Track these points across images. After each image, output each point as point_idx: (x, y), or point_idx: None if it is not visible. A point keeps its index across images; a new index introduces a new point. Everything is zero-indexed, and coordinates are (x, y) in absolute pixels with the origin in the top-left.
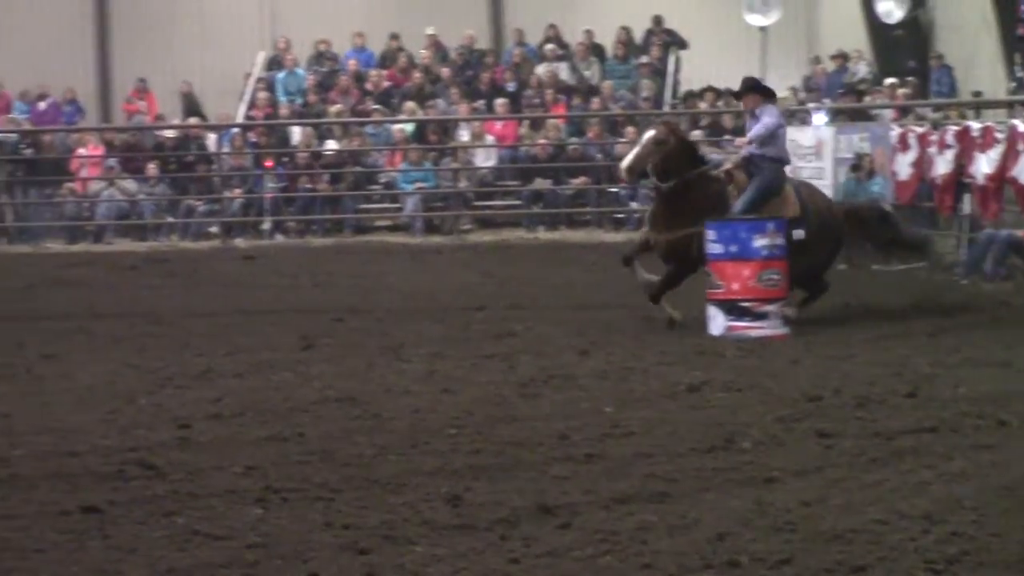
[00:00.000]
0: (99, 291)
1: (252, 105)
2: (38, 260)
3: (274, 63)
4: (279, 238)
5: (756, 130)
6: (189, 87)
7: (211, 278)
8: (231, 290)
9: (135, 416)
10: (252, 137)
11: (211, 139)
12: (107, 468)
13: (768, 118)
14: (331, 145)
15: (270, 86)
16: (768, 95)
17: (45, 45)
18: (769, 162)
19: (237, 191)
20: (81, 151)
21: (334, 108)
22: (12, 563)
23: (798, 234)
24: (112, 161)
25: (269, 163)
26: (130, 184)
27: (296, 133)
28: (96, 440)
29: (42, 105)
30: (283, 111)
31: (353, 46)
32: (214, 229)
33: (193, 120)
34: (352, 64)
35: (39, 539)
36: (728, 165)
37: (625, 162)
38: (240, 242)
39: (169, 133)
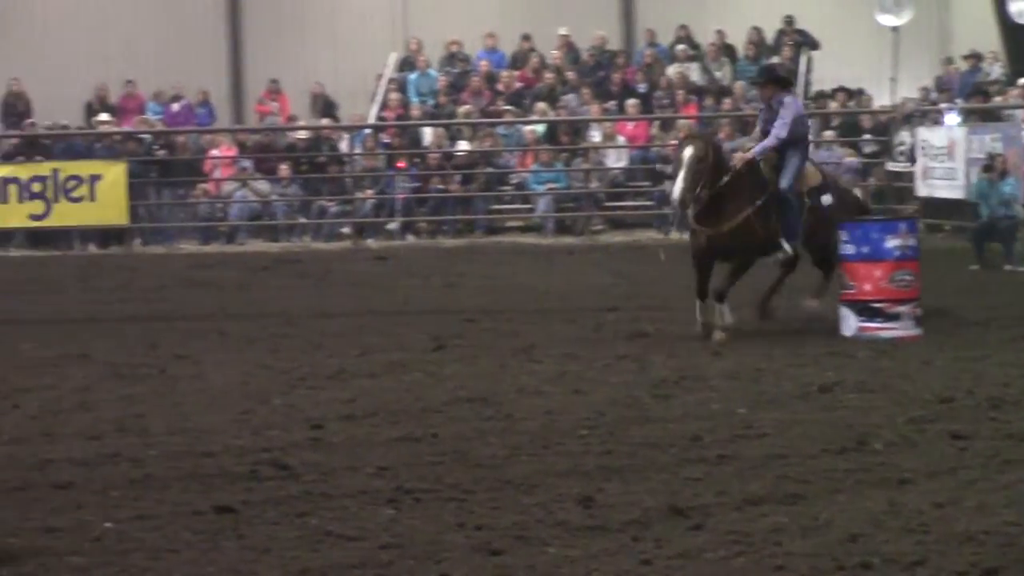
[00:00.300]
0: (232, 292)
1: (384, 106)
2: (171, 261)
3: (406, 64)
4: (410, 239)
5: (777, 132)
6: (321, 88)
7: (343, 279)
8: (363, 291)
9: (268, 417)
10: (384, 138)
11: (343, 140)
12: (240, 468)
13: (786, 112)
14: (462, 146)
15: (402, 87)
16: (786, 85)
17: (178, 47)
18: (798, 139)
19: (369, 192)
20: (214, 152)
21: (464, 109)
22: (147, 563)
23: (827, 199)
24: (245, 162)
25: (401, 164)
26: (263, 185)
27: (428, 134)
28: (229, 440)
29: (176, 107)
30: (415, 112)
31: (485, 47)
32: (346, 230)
33: (325, 121)
34: (484, 65)
35: (173, 539)
36: (737, 163)
37: (677, 193)
38: (372, 243)
39: (301, 134)
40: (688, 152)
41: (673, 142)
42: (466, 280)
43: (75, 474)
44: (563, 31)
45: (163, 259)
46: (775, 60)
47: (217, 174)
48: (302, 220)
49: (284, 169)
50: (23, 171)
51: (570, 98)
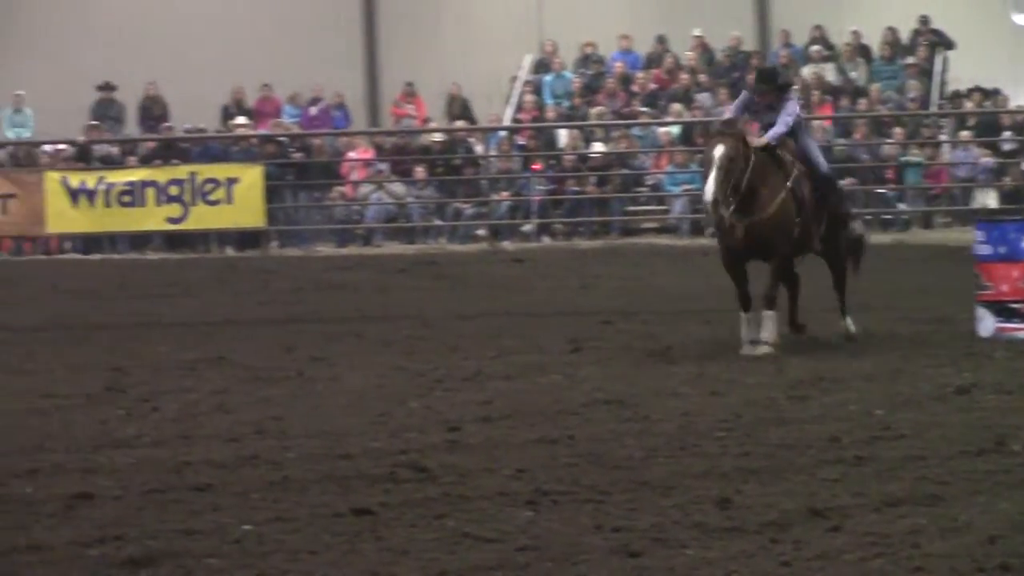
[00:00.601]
0: (368, 294)
1: (519, 108)
2: (308, 263)
3: (541, 66)
4: (546, 240)
5: (785, 119)
6: (458, 90)
7: (479, 281)
8: (499, 293)
9: (405, 419)
10: (519, 140)
11: (478, 142)
12: (378, 471)
13: (790, 107)
14: (597, 147)
15: (537, 89)
16: (787, 89)
17: (314, 50)
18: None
19: (504, 194)
20: (351, 155)
21: (598, 110)
22: (286, 565)
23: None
24: (381, 165)
25: (536, 166)
26: (398, 187)
27: (563, 136)
28: (367, 443)
29: (312, 110)
30: (550, 114)
31: (619, 48)
32: (481, 232)
33: (460, 123)
34: (618, 66)
35: (312, 541)
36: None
37: (709, 194)
38: (507, 244)
39: (437, 136)
40: (719, 151)
41: None
42: (602, 282)
43: (214, 476)
44: (697, 32)
45: (300, 262)
46: (911, 60)
47: (353, 177)
48: (438, 222)
49: (420, 171)
50: (161, 174)
51: (705, 98)
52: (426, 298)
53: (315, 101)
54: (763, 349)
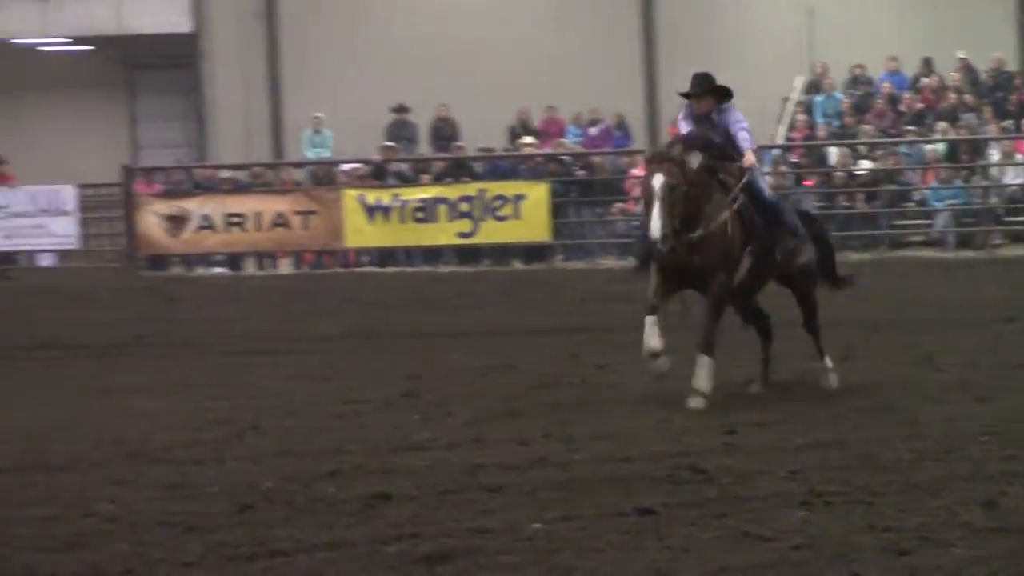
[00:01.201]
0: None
1: (791, 127)
2: (591, 275)
3: (812, 87)
4: None
5: (746, 136)
6: None
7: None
8: (776, 302)
9: (684, 423)
10: (792, 157)
11: None
12: (660, 473)
13: (738, 122)
14: (866, 165)
15: (808, 109)
16: (725, 95)
17: (596, 72)
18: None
19: None
20: (634, 172)
21: (867, 128)
22: (574, 562)
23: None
24: None
25: (808, 182)
26: None
27: (833, 153)
28: (649, 446)
29: (594, 130)
30: (820, 133)
31: (887, 70)
32: None
33: None
34: (886, 87)
35: (598, 539)
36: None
37: (656, 231)
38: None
39: None
40: (659, 180)
41: None
42: (871, 292)
43: (504, 477)
44: (961, 54)
45: (583, 274)
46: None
47: (635, 193)
48: None
49: None
50: (452, 191)
51: (970, 117)
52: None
53: (596, 122)
54: (693, 402)
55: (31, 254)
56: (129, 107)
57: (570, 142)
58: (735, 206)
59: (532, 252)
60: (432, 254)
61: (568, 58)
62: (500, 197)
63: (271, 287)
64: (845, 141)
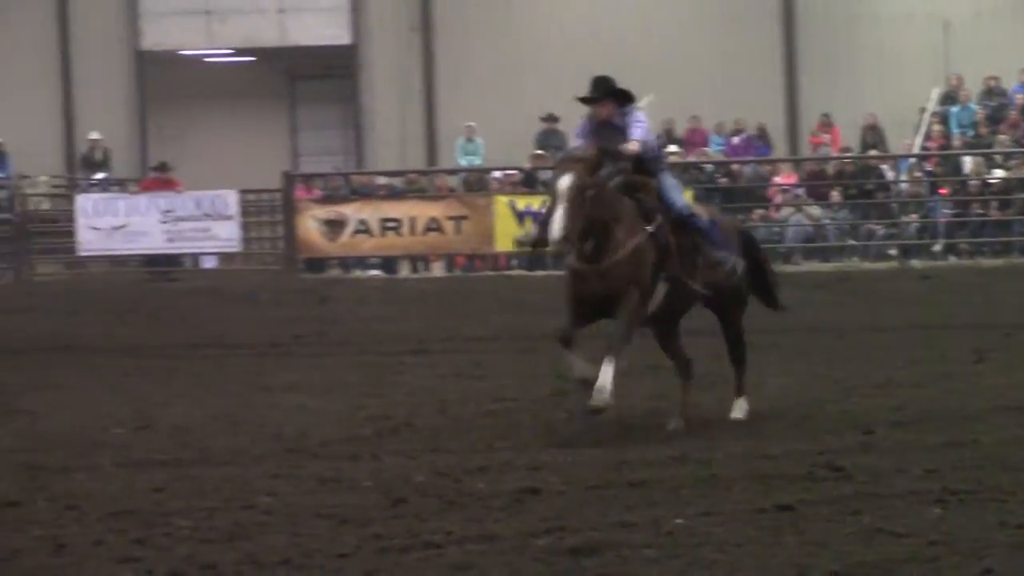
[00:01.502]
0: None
1: (927, 137)
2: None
3: (947, 98)
4: (952, 259)
5: (636, 131)
6: (874, 119)
7: (889, 296)
8: (908, 307)
9: (822, 423)
10: (927, 166)
11: (889, 168)
12: (798, 470)
13: (638, 121)
14: (999, 173)
15: (944, 119)
16: (627, 100)
17: (738, 84)
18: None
19: (913, 216)
20: (776, 179)
21: (1001, 138)
22: (714, 556)
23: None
24: (798, 189)
25: (943, 190)
26: (815, 210)
27: (967, 163)
28: (787, 444)
29: (736, 140)
30: (956, 142)
31: (1019, 82)
32: (892, 251)
33: (873, 152)
34: (1020, 99)
35: (738, 534)
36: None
37: (557, 231)
38: (916, 263)
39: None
40: (566, 181)
41: None
42: (1004, 297)
43: (648, 474)
44: None
45: None
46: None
47: (778, 200)
48: (851, 242)
49: (835, 195)
50: None
51: None
52: (840, 312)
53: (738, 132)
54: (596, 400)
55: (195, 256)
56: (290, 116)
57: (713, 151)
58: (650, 228)
59: None
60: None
61: (711, 71)
62: None
63: (424, 289)
64: (979, 151)
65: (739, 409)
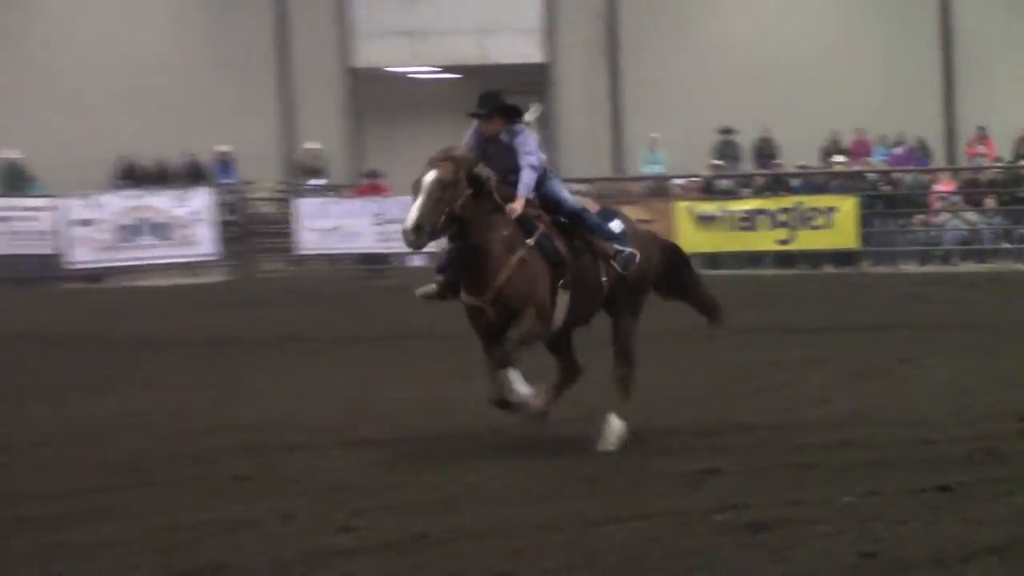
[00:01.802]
0: (945, 306)
1: None
2: (895, 279)
3: None
4: None
5: (531, 162)
6: None
7: None
8: None
9: (981, 410)
10: None
11: None
12: (957, 454)
13: (529, 141)
14: None
15: None
16: (515, 115)
17: (898, 98)
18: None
19: None
20: (936, 187)
21: None
22: (881, 532)
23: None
24: (955, 196)
25: None
26: (972, 215)
27: None
28: (948, 430)
29: (898, 150)
30: None
31: None
32: None
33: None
34: None
35: (902, 511)
36: (512, 213)
37: (410, 221)
38: None
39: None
40: (430, 176)
41: None
42: None
43: (819, 456)
44: None
45: (888, 278)
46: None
47: (937, 206)
48: (1005, 245)
49: (990, 202)
50: (771, 203)
51: None
52: (995, 309)
53: (900, 143)
54: (532, 410)
55: (402, 255)
56: None
57: (876, 160)
58: (530, 241)
59: (842, 258)
60: (754, 259)
61: (875, 87)
62: (814, 209)
63: None
64: None
65: (611, 433)
